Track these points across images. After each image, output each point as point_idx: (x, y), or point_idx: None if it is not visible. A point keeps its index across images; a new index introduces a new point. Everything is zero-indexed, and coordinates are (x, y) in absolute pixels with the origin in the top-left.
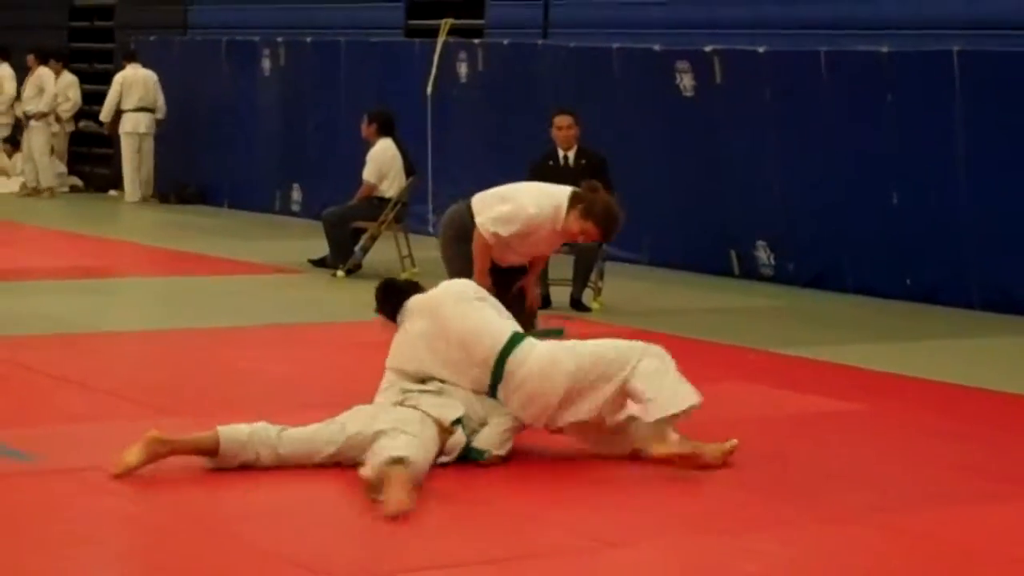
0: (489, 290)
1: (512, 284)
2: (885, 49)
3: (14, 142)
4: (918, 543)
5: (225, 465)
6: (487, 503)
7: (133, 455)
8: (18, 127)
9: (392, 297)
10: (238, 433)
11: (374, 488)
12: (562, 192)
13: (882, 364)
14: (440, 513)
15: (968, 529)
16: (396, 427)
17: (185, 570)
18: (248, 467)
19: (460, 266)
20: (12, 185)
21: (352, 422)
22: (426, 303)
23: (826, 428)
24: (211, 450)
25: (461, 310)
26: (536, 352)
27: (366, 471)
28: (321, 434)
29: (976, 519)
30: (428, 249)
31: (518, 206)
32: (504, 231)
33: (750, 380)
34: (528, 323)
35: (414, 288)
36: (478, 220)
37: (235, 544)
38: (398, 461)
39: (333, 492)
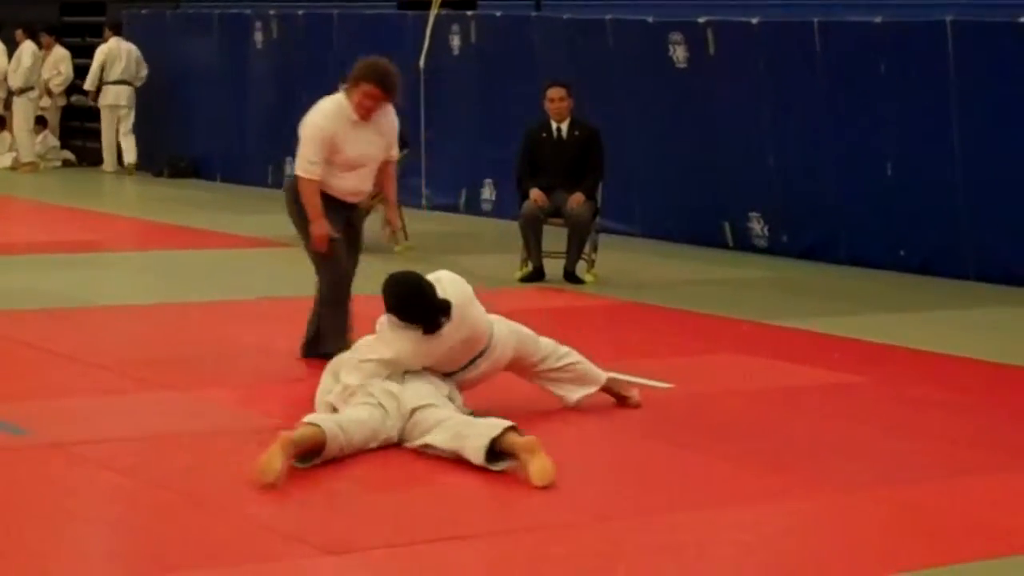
0: (333, 231)
1: (352, 217)
2: (879, 19)
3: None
4: (914, 514)
5: (325, 459)
6: (472, 479)
7: (276, 460)
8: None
9: (431, 309)
10: (329, 426)
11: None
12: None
13: (877, 335)
14: (417, 489)
15: (965, 500)
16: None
17: (178, 543)
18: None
19: (300, 224)
20: (5, 160)
21: (401, 400)
22: (457, 313)
23: (821, 400)
24: (319, 446)
25: (476, 312)
26: (500, 329)
27: (477, 448)
28: (373, 418)
29: (972, 490)
30: (422, 222)
31: (307, 130)
32: (314, 157)
33: (744, 352)
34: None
35: (444, 303)
36: (296, 170)
37: (229, 517)
38: (512, 427)
39: (325, 465)
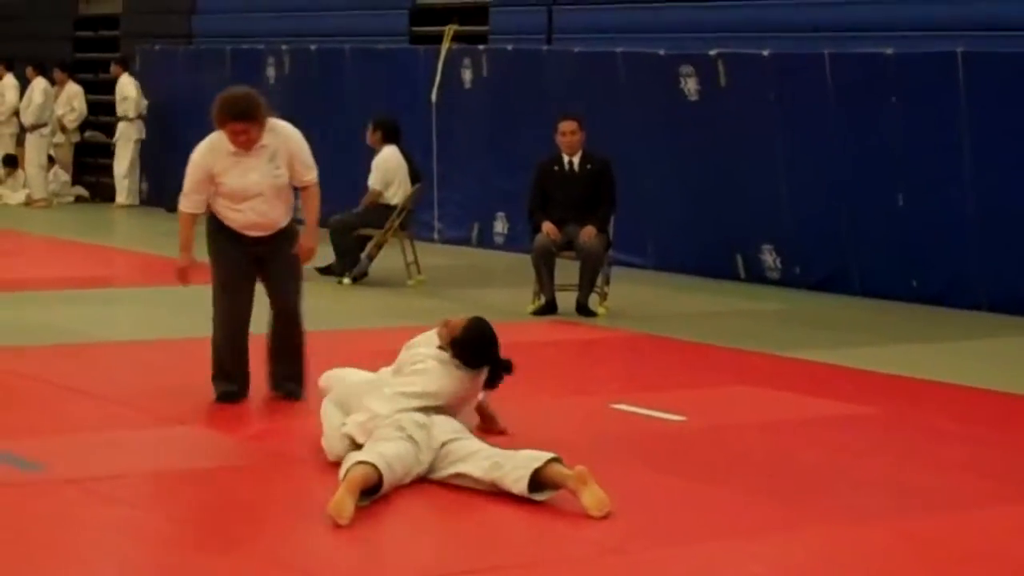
0: (189, 265)
1: (267, 252)
2: (890, 51)
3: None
4: (929, 547)
5: (380, 496)
6: (488, 512)
7: (348, 502)
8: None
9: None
10: (383, 464)
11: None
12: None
13: (891, 367)
14: (439, 522)
15: (979, 532)
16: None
17: None
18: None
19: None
20: (19, 197)
21: (431, 433)
22: None
23: (835, 432)
24: (377, 484)
25: None
26: None
27: (519, 478)
28: (409, 453)
29: (987, 522)
30: (434, 256)
31: (189, 164)
32: (187, 189)
33: (757, 384)
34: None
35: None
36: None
37: (243, 552)
38: (556, 459)
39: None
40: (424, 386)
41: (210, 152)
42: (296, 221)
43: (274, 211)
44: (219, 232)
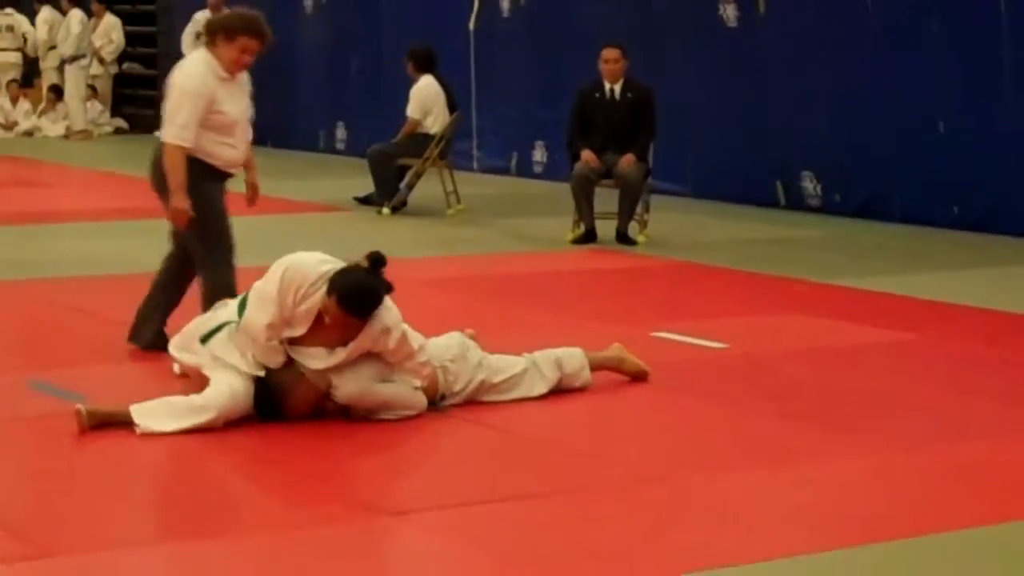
0: (192, 208)
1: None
2: None
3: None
4: (970, 471)
5: None
6: (526, 440)
7: None
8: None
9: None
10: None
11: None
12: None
13: (931, 293)
14: (477, 450)
15: (1020, 457)
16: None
17: (238, 504)
18: None
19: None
20: (58, 128)
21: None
22: None
23: (876, 358)
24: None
25: None
26: None
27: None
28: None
29: None
30: (473, 185)
31: (181, 90)
32: (189, 120)
33: (798, 311)
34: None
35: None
36: (164, 137)
37: (289, 480)
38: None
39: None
40: None
41: (212, 77)
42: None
43: (246, 146)
44: (204, 176)
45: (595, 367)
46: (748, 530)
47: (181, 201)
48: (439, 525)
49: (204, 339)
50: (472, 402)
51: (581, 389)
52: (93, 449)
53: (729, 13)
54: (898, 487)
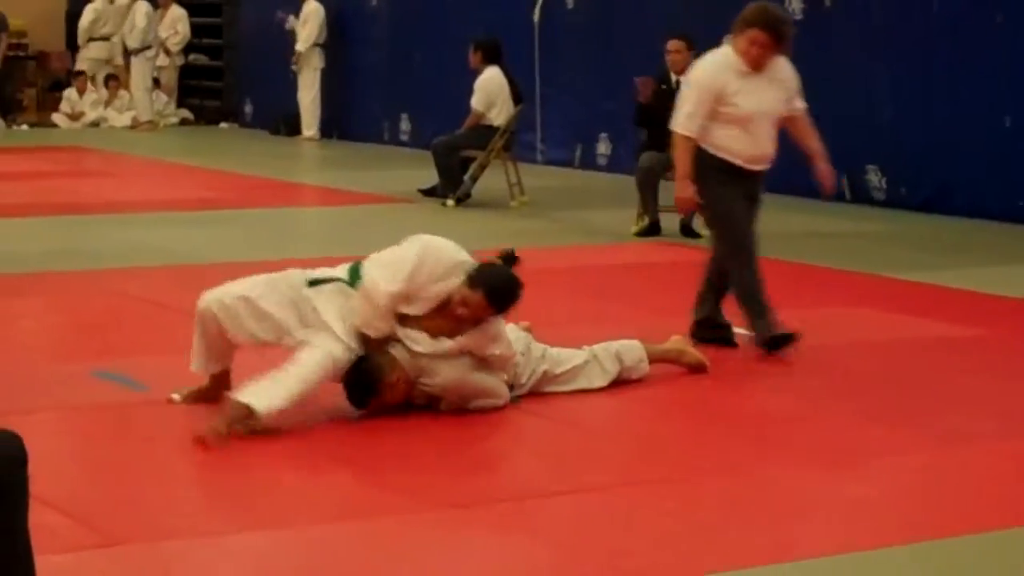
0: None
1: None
2: None
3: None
4: None
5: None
6: (587, 431)
7: None
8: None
9: None
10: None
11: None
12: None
13: (998, 288)
14: (534, 442)
15: None
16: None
17: (281, 495)
18: None
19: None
20: (124, 119)
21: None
22: None
23: (942, 353)
24: None
25: None
26: None
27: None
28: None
29: None
30: (537, 177)
31: (691, 83)
32: (693, 109)
33: (863, 305)
34: None
35: None
36: (671, 124)
37: (347, 471)
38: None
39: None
40: None
41: (727, 70)
42: None
43: (770, 141)
44: (720, 171)
45: (654, 359)
46: (813, 525)
47: (682, 190)
48: (500, 517)
49: (313, 283)
50: (533, 393)
51: (639, 381)
52: (159, 439)
53: (795, 5)
54: (964, 483)
